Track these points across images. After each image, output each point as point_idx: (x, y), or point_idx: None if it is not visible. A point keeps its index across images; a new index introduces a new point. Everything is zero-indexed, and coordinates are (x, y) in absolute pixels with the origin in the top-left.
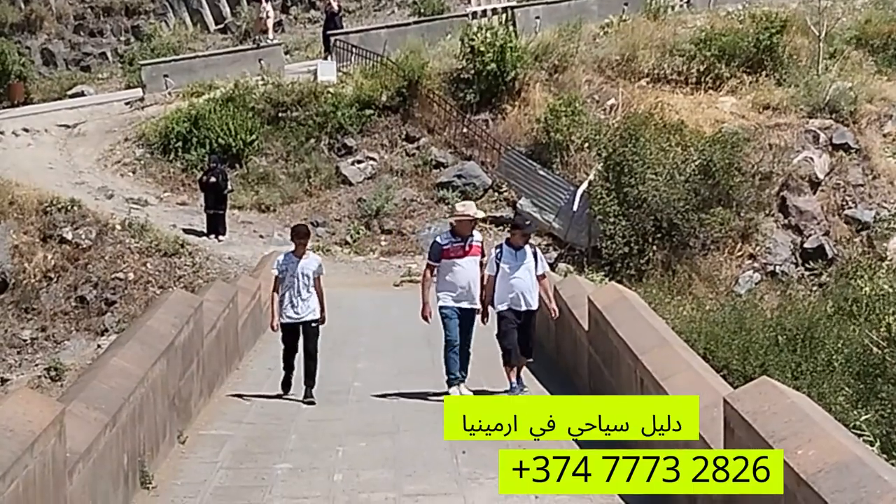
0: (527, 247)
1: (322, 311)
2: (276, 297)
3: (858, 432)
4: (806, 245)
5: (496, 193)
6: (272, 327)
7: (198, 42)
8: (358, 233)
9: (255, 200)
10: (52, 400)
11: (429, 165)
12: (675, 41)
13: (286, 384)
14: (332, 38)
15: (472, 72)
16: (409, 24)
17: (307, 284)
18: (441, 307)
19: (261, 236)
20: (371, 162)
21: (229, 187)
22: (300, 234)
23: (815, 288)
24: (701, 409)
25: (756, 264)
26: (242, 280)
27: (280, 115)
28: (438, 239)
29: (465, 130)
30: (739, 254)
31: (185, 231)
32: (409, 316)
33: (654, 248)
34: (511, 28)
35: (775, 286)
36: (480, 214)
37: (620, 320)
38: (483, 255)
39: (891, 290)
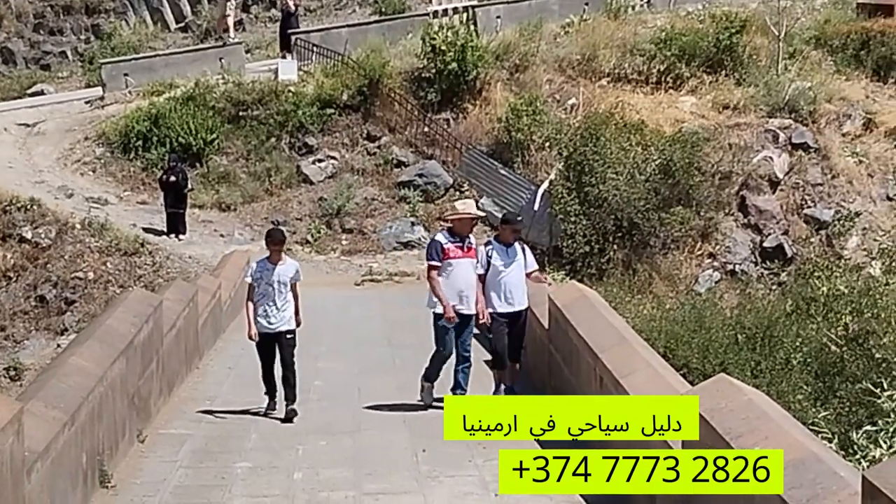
0: (516, 243)
1: (298, 318)
2: (251, 306)
3: (816, 429)
4: (765, 244)
5: (457, 193)
6: (250, 337)
7: (158, 41)
8: (319, 232)
9: (216, 199)
10: (11, 399)
11: (390, 164)
12: (635, 41)
13: (273, 406)
14: (293, 37)
15: (434, 71)
16: (370, 23)
17: (283, 293)
18: (438, 315)
19: (221, 235)
20: (332, 161)
21: (189, 186)
22: (276, 240)
23: (774, 287)
24: None
25: (716, 263)
26: (203, 279)
27: (241, 113)
28: (439, 237)
29: (426, 129)
30: (699, 253)
31: (146, 230)
32: (370, 315)
33: (615, 247)
34: (472, 27)
35: (735, 285)
36: (480, 213)
37: (580, 319)
38: (477, 258)
39: (847, 290)
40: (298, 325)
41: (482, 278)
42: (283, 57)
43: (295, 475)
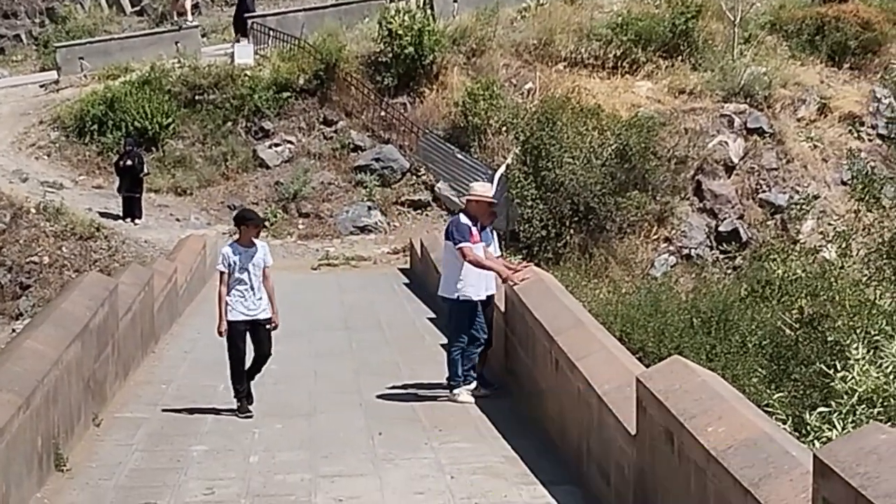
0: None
1: (275, 306)
2: (224, 297)
3: (771, 411)
4: (721, 228)
5: (414, 177)
6: (219, 332)
7: (113, 24)
8: (275, 216)
9: (172, 184)
10: None
11: (346, 149)
12: (592, 26)
13: (245, 409)
14: (250, 21)
15: (390, 55)
16: (326, 6)
17: (259, 277)
18: (467, 301)
19: (177, 220)
20: (288, 145)
21: (145, 170)
22: (256, 222)
23: (729, 271)
24: (614, 388)
25: (671, 247)
26: (158, 263)
27: (197, 98)
28: (464, 220)
29: (383, 114)
30: (655, 237)
31: (101, 214)
32: (326, 299)
33: (571, 231)
34: (429, 12)
35: (690, 269)
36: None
37: (536, 302)
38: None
39: (802, 274)
40: (275, 313)
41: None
42: (238, 41)
43: (251, 458)
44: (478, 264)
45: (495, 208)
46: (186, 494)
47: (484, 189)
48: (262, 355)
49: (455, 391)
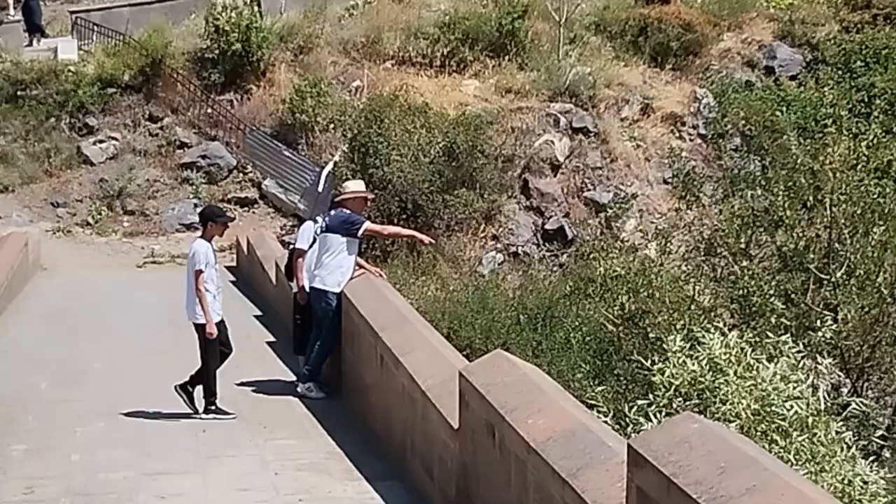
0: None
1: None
2: (209, 297)
3: (594, 404)
4: (547, 226)
5: (241, 174)
6: (212, 334)
7: None
8: (100, 214)
9: None
10: None
11: (173, 146)
12: (419, 24)
13: (224, 410)
14: (73, 16)
15: (218, 52)
16: (152, 2)
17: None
18: (335, 295)
19: None
20: (113, 142)
21: None
22: (227, 218)
23: (555, 268)
24: (438, 383)
25: (499, 245)
26: None
27: (19, 93)
28: (347, 212)
29: (209, 111)
30: (483, 235)
31: None
32: (152, 297)
33: None
34: (256, 8)
35: (517, 266)
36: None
37: (362, 298)
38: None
39: (624, 271)
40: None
41: (303, 254)
42: (30, 43)
43: (73, 457)
44: (396, 234)
45: (325, 205)
46: (5, 494)
47: (359, 186)
48: (227, 354)
49: (311, 385)
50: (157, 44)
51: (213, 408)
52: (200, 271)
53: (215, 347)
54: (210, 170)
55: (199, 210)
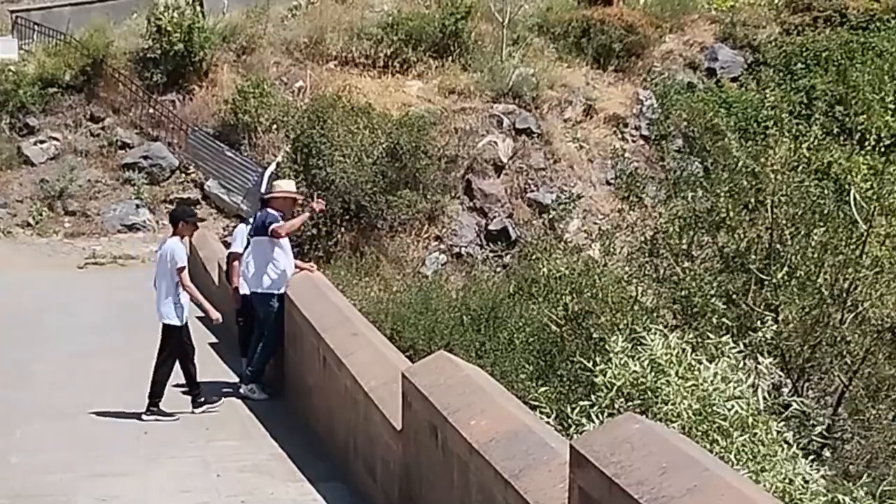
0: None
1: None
2: (194, 289)
3: (537, 405)
4: (490, 227)
5: (183, 175)
6: (218, 320)
7: None
8: (41, 214)
9: None
10: None
11: (114, 146)
12: (362, 25)
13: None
14: (13, 15)
15: (160, 52)
16: (93, 1)
17: None
18: (277, 296)
19: None
20: (54, 142)
21: None
22: (195, 220)
23: (498, 269)
24: (380, 384)
25: (442, 246)
26: None
27: None
28: (272, 212)
29: (151, 111)
30: (426, 235)
31: None
32: (93, 298)
33: (343, 229)
34: (198, 8)
35: (461, 267)
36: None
37: (305, 300)
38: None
39: (567, 272)
40: None
41: (238, 258)
42: None
43: (12, 459)
44: (301, 222)
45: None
46: None
47: (289, 186)
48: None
49: (253, 386)
50: (98, 44)
51: (156, 409)
52: (183, 268)
53: (189, 344)
54: (152, 170)
55: (169, 210)
